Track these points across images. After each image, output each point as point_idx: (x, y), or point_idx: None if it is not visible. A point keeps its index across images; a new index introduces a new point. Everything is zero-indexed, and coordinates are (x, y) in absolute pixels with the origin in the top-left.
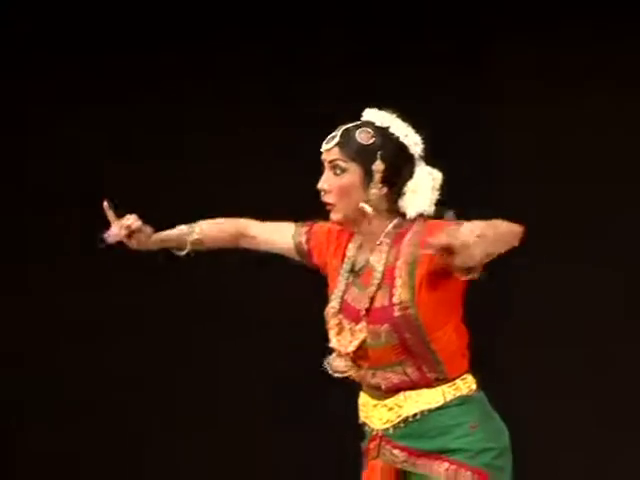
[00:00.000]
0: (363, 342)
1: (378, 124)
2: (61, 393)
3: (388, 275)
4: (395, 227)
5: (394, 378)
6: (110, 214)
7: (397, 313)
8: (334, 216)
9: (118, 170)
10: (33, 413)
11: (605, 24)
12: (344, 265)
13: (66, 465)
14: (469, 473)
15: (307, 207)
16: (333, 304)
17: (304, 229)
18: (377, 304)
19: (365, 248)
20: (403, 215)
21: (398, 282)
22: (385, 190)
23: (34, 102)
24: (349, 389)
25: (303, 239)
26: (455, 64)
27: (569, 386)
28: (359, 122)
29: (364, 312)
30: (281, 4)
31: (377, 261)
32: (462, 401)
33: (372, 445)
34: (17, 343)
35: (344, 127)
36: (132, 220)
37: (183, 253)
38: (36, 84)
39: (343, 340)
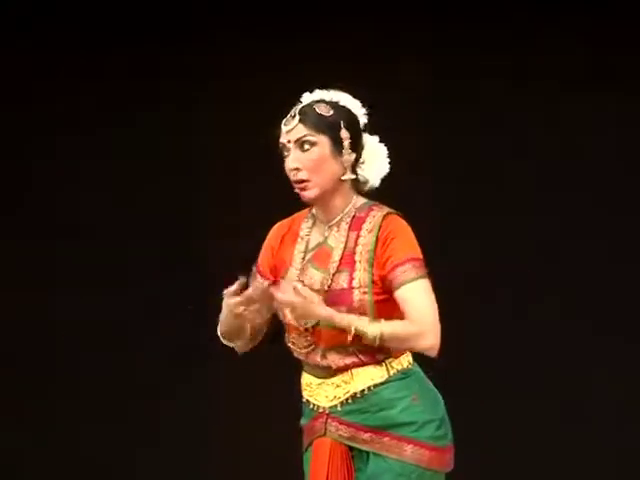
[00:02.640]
0: (318, 322)
1: (328, 99)
2: None
3: (347, 259)
4: (353, 208)
5: (345, 359)
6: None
7: (356, 297)
8: (310, 193)
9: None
10: None
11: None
12: (297, 245)
13: None
14: (417, 448)
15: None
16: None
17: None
18: (335, 286)
19: (319, 227)
20: (359, 193)
21: (358, 267)
22: (354, 156)
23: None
24: None
25: (259, 279)
26: None
27: None
28: (308, 102)
29: (323, 293)
30: None
31: (335, 243)
32: (403, 375)
33: (317, 423)
34: None
35: (298, 107)
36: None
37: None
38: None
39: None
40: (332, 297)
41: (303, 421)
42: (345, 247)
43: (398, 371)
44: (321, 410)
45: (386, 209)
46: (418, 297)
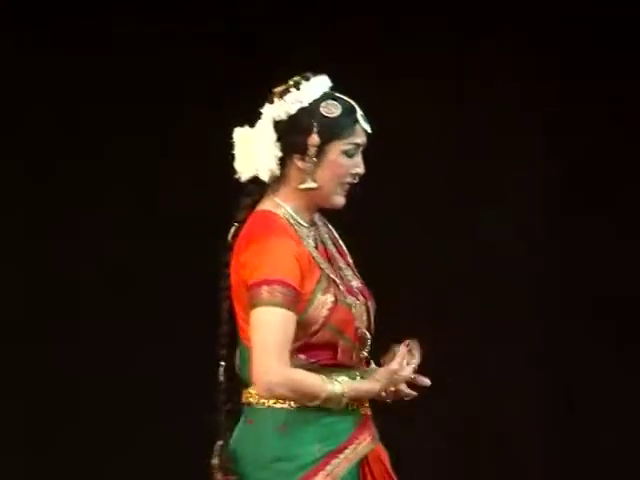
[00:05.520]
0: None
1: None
2: None
3: (344, 255)
4: None
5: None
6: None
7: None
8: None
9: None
10: None
11: None
12: (310, 250)
13: None
14: None
15: None
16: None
17: (291, 294)
18: (360, 282)
19: (303, 229)
20: None
21: (350, 260)
22: None
23: None
24: None
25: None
26: None
27: None
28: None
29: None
30: None
31: (329, 241)
32: None
33: (366, 433)
34: None
35: (359, 108)
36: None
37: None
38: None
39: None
40: (367, 293)
41: (345, 437)
42: (334, 243)
43: None
44: (362, 412)
45: None
46: None
